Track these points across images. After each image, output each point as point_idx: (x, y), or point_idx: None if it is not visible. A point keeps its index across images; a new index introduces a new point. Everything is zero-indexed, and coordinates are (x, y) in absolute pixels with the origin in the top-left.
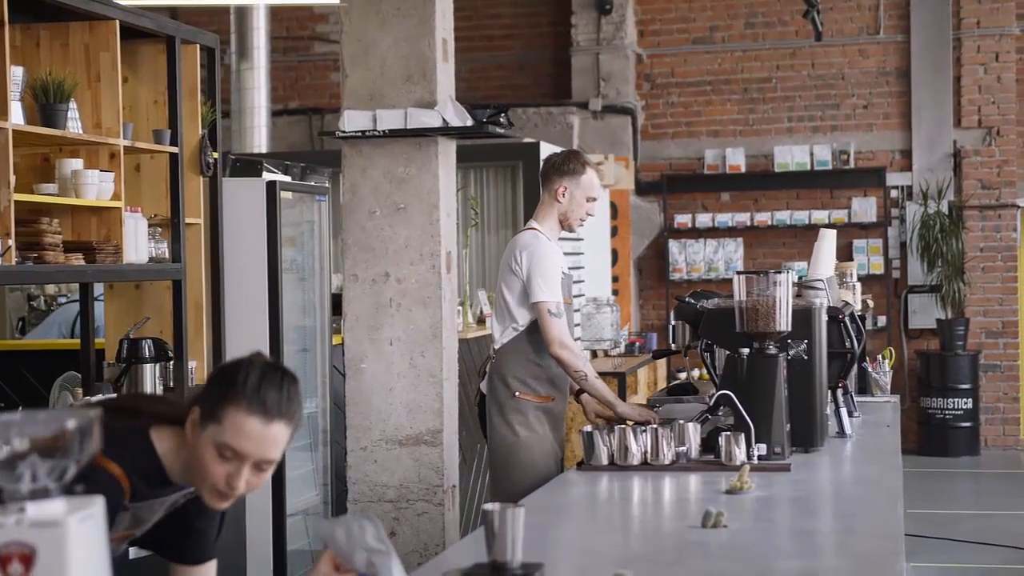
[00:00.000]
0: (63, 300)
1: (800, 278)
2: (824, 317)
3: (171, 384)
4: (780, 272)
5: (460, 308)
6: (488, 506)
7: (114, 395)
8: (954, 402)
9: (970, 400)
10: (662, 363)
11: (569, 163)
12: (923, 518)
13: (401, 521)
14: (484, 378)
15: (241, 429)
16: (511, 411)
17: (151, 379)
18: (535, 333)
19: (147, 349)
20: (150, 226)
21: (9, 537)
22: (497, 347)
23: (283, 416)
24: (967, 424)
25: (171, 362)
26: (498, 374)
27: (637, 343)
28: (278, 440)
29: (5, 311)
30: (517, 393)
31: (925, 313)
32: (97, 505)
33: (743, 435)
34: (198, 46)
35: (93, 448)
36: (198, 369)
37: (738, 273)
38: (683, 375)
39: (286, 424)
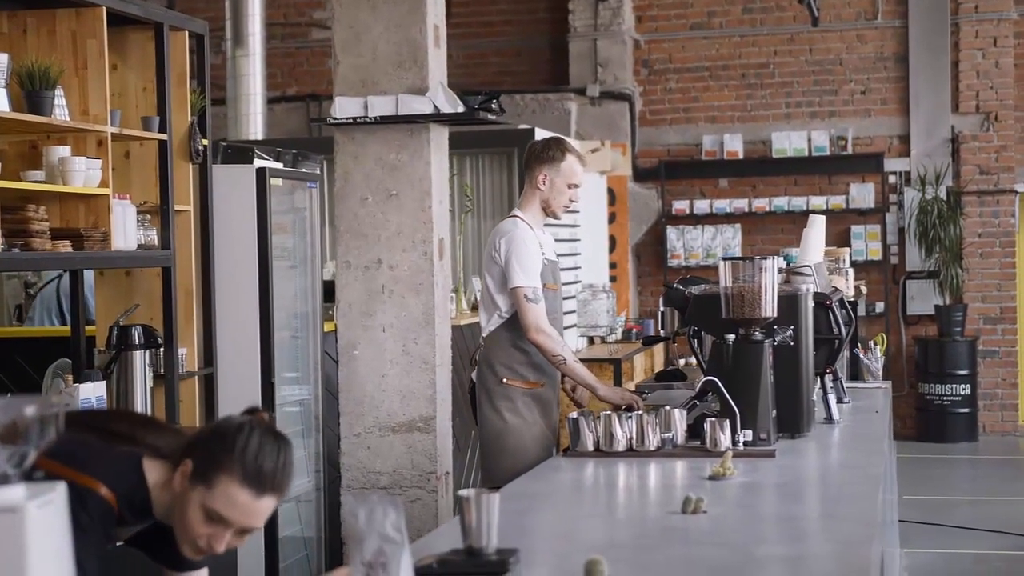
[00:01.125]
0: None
1: (788, 264)
2: (810, 303)
3: (161, 371)
4: (766, 259)
5: (453, 295)
6: (463, 492)
7: (107, 410)
8: (952, 388)
9: (968, 386)
10: (659, 349)
11: (549, 150)
12: (920, 504)
13: None
14: (475, 367)
15: (232, 499)
16: (499, 398)
17: (141, 366)
18: (519, 319)
19: (137, 336)
20: (139, 213)
21: None
22: (484, 335)
23: (275, 490)
24: (965, 410)
25: (161, 349)
26: (486, 361)
27: (634, 329)
28: (266, 511)
29: (2, 298)
30: (504, 380)
31: (923, 299)
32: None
33: (728, 421)
34: (187, 33)
35: (52, 435)
36: (188, 356)
37: (724, 259)
38: (682, 361)
39: (277, 497)
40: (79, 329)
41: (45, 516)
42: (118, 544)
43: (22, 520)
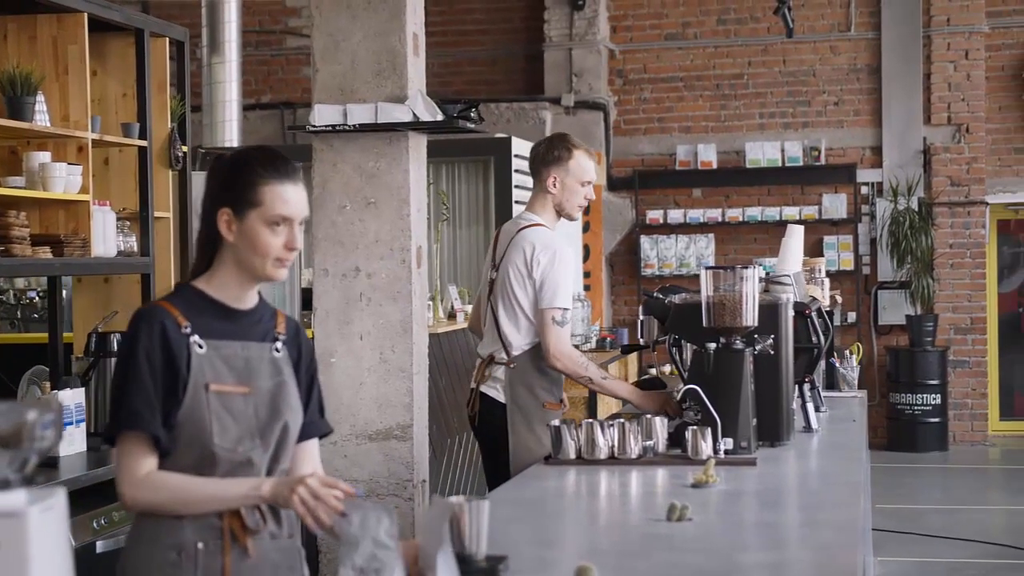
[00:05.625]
0: (32, 295)
1: (768, 273)
2: (791, 312)
3: None
4: (747, 268)
5: (431, 303)
6: (453, 499)
7: None
8: (923, 398)
9: (939, 396)
10: (633, 358)
11: (554, 150)
12: (891, 513)
13: None
14: (480, 383)
15: (283, 198)
16: (538, 422)
17: None
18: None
19: (115, 343)
20: (119, 220)
21: None
22: (515, 352)
23: (299, 176)
24: (935, 420)
25: None
26: (522, 383)
27: (608, 339)
28: (306, 196)
29: None
30: (546, 404)
31: (894, 309)
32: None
33: (709, 430)
34: (167, 39)
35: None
36: None
37: (706, 268)
38: (653, 370)
39: (302, 182)
40: (57, 336)
41: (47, 521)
42: None
43: (24, 525)
